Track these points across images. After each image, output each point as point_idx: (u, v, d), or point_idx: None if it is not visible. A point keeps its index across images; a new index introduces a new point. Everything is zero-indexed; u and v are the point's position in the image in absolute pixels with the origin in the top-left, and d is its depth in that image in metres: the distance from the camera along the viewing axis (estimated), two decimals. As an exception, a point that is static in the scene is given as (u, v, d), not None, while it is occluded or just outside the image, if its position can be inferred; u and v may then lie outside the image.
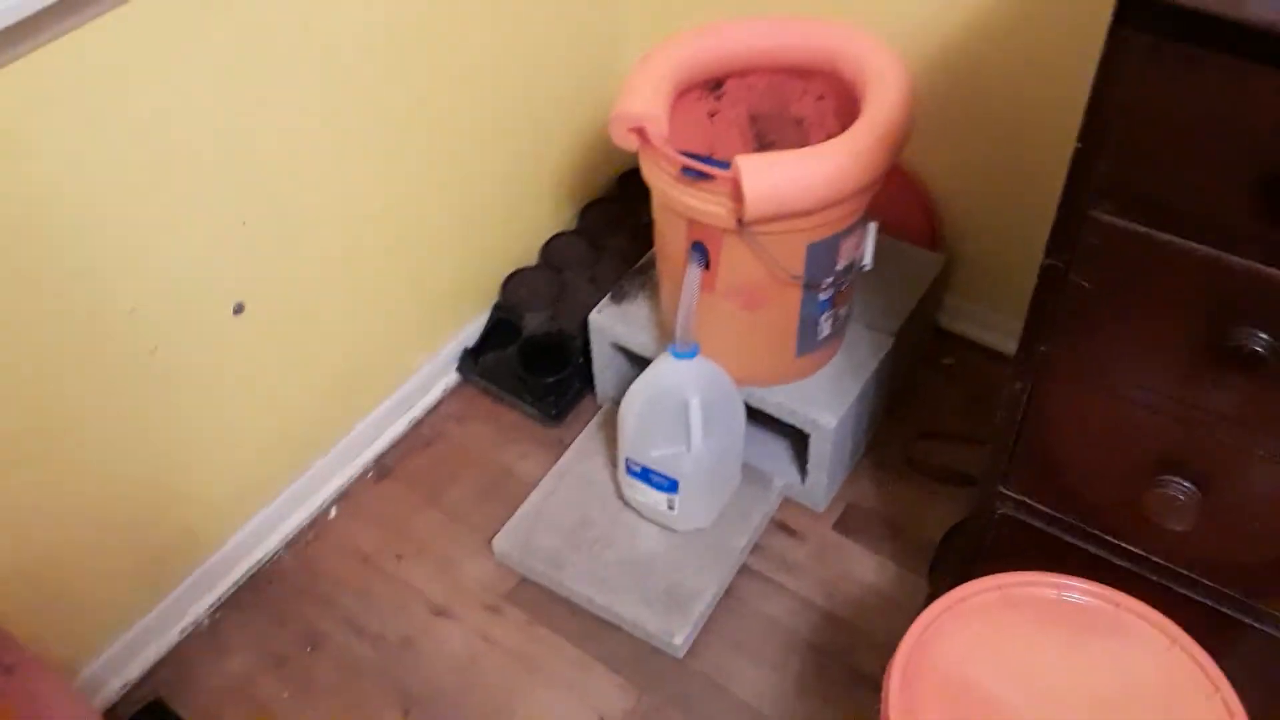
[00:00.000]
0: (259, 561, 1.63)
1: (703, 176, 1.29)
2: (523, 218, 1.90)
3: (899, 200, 1.74)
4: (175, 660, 1.53)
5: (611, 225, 1.95)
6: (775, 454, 1.70)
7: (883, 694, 1.04)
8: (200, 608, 1.57)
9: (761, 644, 1.51)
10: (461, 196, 1.72)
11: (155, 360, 1.34)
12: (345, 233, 1.54)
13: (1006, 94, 1.55)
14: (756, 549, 1.62)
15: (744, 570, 1.60)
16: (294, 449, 1.65)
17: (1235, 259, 0.82)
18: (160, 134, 1.22)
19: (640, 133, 1.34)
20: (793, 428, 1.60)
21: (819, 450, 1.57)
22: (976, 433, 1.73)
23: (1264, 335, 0.84)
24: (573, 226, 1.99)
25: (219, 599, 1.59)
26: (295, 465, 1.66)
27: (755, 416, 1.60)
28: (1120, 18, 0.75)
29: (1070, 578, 1.09)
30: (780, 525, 1.66)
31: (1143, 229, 0.85)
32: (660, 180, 1.37)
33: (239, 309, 1.42)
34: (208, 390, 1.44)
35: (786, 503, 1.68)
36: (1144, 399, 0.96)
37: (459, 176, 1.70)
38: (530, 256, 1.94)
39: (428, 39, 1.51)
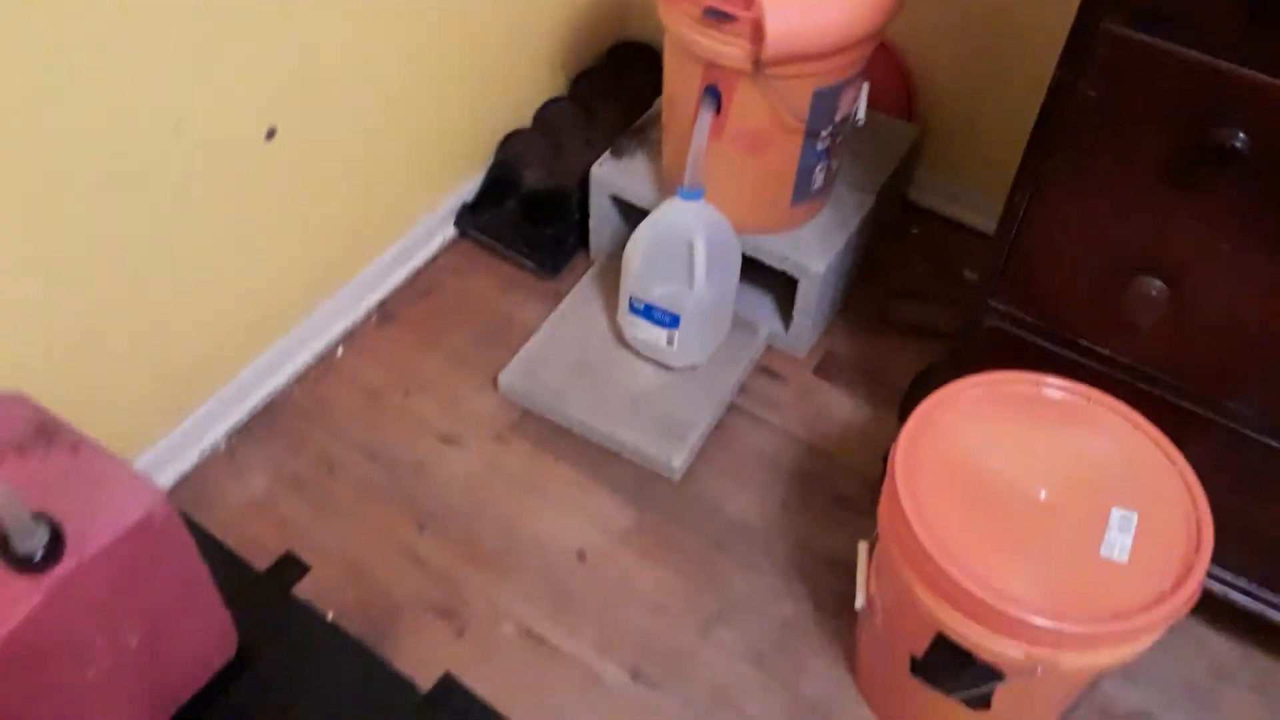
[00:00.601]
0: (271, 392, 1.70)
1: (726, 17, 1.38)
2: (518, 82, 1.96)
3: (880, 72, 1.85)
4: (195, 481, 1.60)
5: (603, 93, 2.03)
6: (760, 304, 1.82)
7: (889, 466, 1.17)
8: (217, 433, 1.64)
9: (750, 471, 1.65)
10: (460, 57, 1.78)
11: (192, 181, 1.39)
12: (361, 77, 1.59)
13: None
14: (743, 390, 1.75)
15: (733, 408, 1.72)
16: (303, 289, 1.71)
17: (1224, 63, 0.95)
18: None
19: (663, -26, 1.42)
20: (774, 282, 1.72)
21: (806, 295, 1.69)
22: (942, 294, 1.87)
23: (1242, 134, 0.97)
24: (565, 94, 2.06)
25: (234, 426, 1.66)
26: (303, 305, 1.72)
27: (744, 269, 1.71)
28: None
29: (1048, 376, 1.24)
30: (765, 369, 1.78)
31: (1146, 38, 0.97)
32: (679, 23, 1.45)
33: (271, 133, 1.47)
34: (234, 217, 1.50)
35: (770, 351, 1.81)
36: (1130, 203, 1.10)
37: (458, 36, 1.75)
38: (524, 121, 2.00)
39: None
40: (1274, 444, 1.19)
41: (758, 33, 1.35)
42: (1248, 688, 1.42)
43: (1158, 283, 1.13)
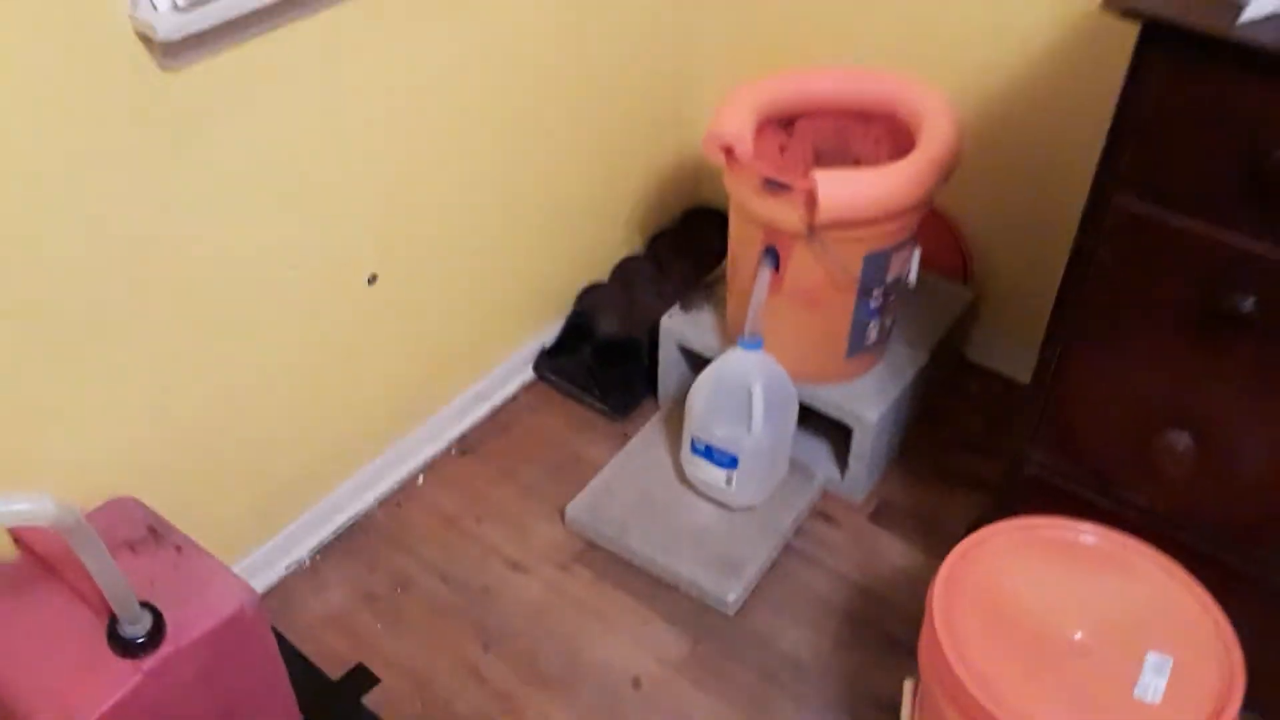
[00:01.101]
0: (355, 514, 1.83)
1: (782, 187, 1.53)
2: (599, 240, 2.14)
3: (935, 238, 1.98)
4: (280, 591, 1.72)
5: (677, 252, 2.19)
6: (817, 451, 1.91)
7: (927, 603, 1.24)
8: (304, 548, 1.76)
9: (803, 609, 1.70)
10: (547, 215, 1.97)
11: (303, 318, 1.57)
12: (455, 230, 1.78)
13: (1036, 145, 1.80)
14: (800, 532, 1.82)
15: (788, 549, 1.79)
16: (391, 419, 1.86)
17: (1228, 233, 1.05)
18: (343, 118, 1.47)
19: (729, 150, 1.58)
20: (833, 431, 1.81)
21: (860, 443, 1.78)
22: (996, 448, 1.94)
23: (1252, 298, 1.07)
24: (641, 252, 2.24)
25: (320, 542, 1.78)
26: (390, 434, 1.86)
27: (801, 418, 1.81)
28: (1144, 38, 1.00)
29: (1084, 522, 1.30)
30: (821, 514, 1.86)
31: (1155, 210, 1.08)
32: (741, 192, 1.61)
33: (372, 279, 1.65)
34: (337, 352, 1.67)
35: (827, 496, 1.88)
36: (1153, 360, 1.18)
37: (547, 196, 1.94)
38: (603, 275, 2.18)
39: (523, 87, 1.77)
40: (1308, 596, 1.22)
41: (811, 201, 1.49)
42: None
43: (1185, 437, 1.20)
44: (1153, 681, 1.15)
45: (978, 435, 1.98)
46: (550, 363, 2.10)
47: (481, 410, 2.03)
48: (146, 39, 1.20)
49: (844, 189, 1.49)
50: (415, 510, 1.86)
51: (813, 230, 1.54)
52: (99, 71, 1.18)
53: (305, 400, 1.66)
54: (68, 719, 1.14)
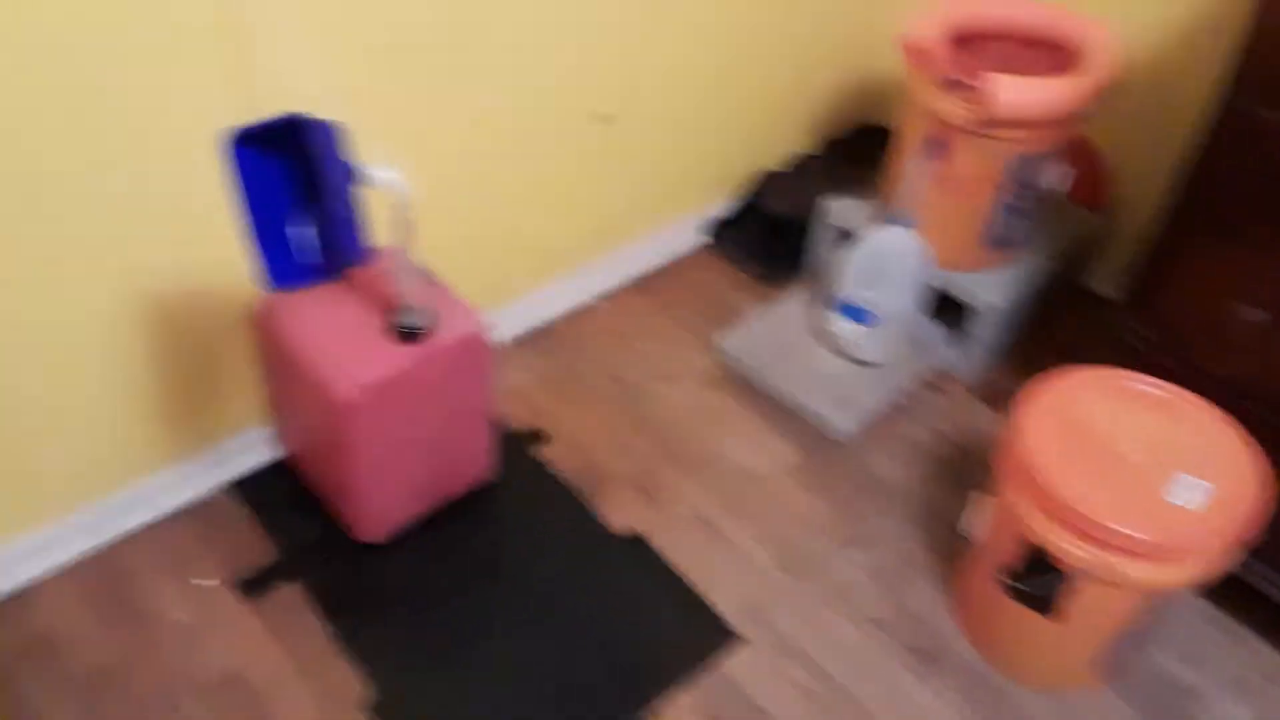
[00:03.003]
0: (545, 317, 2.22)
1: (963, 85, 1.82)
2: (784, 134, 2.47)
3: (1084, 171, 2.23)
4: (480, 362, 2.12)
5: (850, 158, 2.49)
6: (939, 332, 2.20)
7: (1011, 412, 1.54)
8: (503, 335, 2.16)
9: (901, 449, 2.02)
10: (744, 103, 2.30)
11: (552, 144, 1.95)
12: (672, 95, 2.13)
13: (1189, 93, 2.04)
14: (912, 394, 2.12)
15: (899, 405, 2.10)
16: (585, 246, 2.23)
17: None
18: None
19: (922, 51, 1.88)
20: (954, 316, 2.10)
21: (981, 328, 2.07)
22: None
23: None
24: (819, 152, 2.55)
25: (516, 335, 2.18)
26: (580, 259, 2.24)
27: (945, 302, 2.10)
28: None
29: (1148, 376, 1.57)
30: (934, 384, 2.16)
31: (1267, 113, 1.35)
32: (922, 89, 1.90)
33: (601, 118, 2.01)
34: (562, 174, 2.04)
35: (941, 372, 2.18)
36: (1247, 250, 1.45)
37: (745, 87, 2.27)
38: (781, 165, 2.50)
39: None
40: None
41: (986, 99, 1.78)
42: (1298, 706, 1.66)
43: (1260, 313, 1.47)
44: (1187, 494, 1.42)
45: (1086, 349, 2.23)
46: (724, 231, 2.44)
47: (659, 258, 2.38)
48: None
49: (1015, 91, 1.77)
50: (594, 325, 2.24)
51: (980, 125, 1.83)
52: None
53: (531, 210, 2.05)
54: (350, 382, 1.54)
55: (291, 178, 1.15)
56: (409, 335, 1.56)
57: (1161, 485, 1.44)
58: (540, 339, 2.19)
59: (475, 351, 1.66)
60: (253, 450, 1.88)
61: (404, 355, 1.56)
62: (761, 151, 2.46)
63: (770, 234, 2.38)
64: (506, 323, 2.16)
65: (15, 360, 1.51)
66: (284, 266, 1.14)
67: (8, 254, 1.40)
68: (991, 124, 1.81)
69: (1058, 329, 2.27)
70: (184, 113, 1.40)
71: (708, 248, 2.45)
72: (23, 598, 1.67)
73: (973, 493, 1.65)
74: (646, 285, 2.35)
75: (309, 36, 1.51)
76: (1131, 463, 1.47)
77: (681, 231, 2.41)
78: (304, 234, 1.17)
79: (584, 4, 1.85)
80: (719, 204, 2.46)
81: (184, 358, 1.71)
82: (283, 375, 1.72)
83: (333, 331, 1.60)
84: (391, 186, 1.28)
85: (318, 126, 1.07)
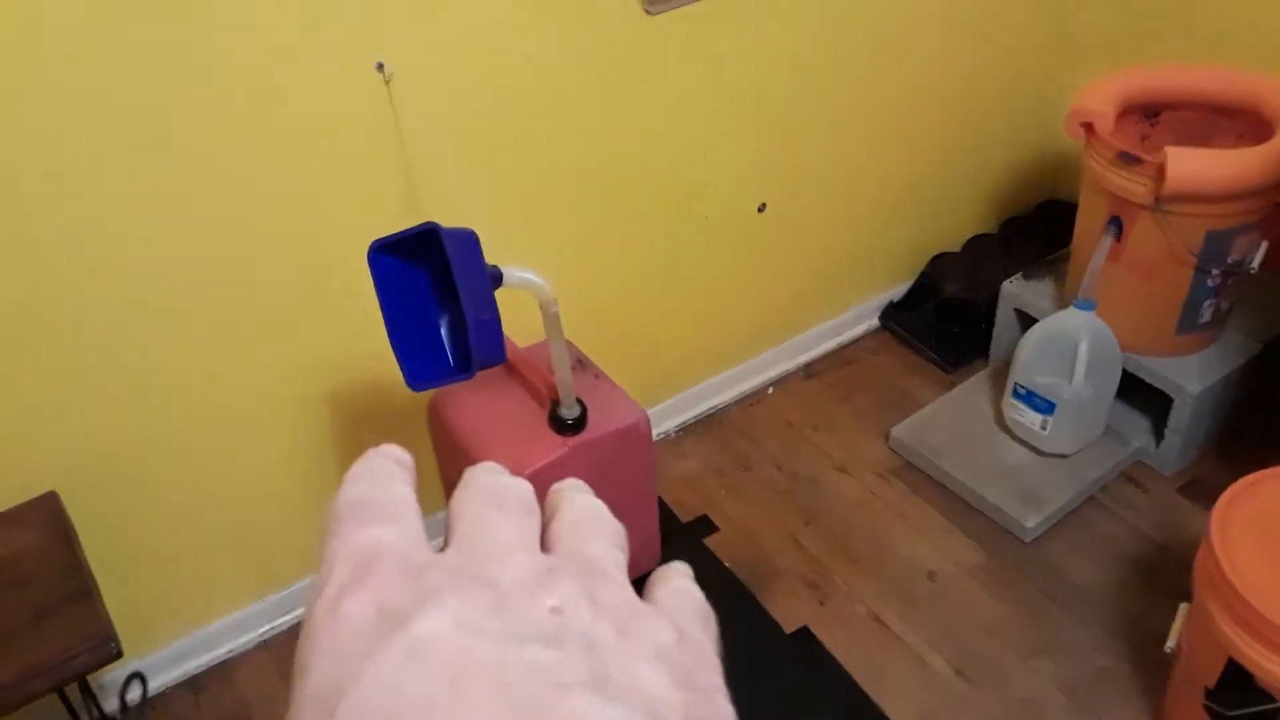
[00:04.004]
0: (715, 406, 2.22)
1: (1135, 160, 1.73)
2: (956, 214, 2.40)
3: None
4: (648, 453, 2.13)
5: (1026, 236, 2.40)
6: (1138, 424, 2.05)
7: (1208, 520, 1.40)
8: (672, 424, 2.17)
9: (1096, 551, 1.87)
10: (913, 185, 2.26)
11: (707, 232, 1.97)
12: (835, 185, 2.11)
13: None
14: (1106, 489, 1.98)
15: (1092, 500, 1.96)
16: (756, 335, 2.22)
17: None
18: (752, 80, 1.85)
19: (1089, 126, 1.80)
20: (1157, 405, 1.95)
21: (1179, 415, 1.91)
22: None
23: None
24: (994, 232, 2.46)
25: (684, 422, 2.18)
26: (753, 348, 2.23)
27: (1126, 390, 1.96)
28: None
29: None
30: (1130, 478, 2.00)
31: None
32: (1096, 164, 1.81)
33: (762, 208, 2.02)
34: (726, 265, 2.05)
35: (1139, 465, 2.02)
36: None
37: (915, 169, 2.23)
38: (954, 246, 2.43)
39: (912, 68, 2.07)
40: None
41: (1161, 173, 1.68)
42: None
43: None
44: None
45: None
46: (896, 315, 2.38)
47: (829, 344, 2.35)
48: (642, -8, 1.63)
49: (1193, 164, 1.66)
50: (763, 412, 2.22)
51: (1159, 202, 1.72)
52: (601, 16, 1.63)
53: (696, 303, 2.07)
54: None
55: (431, 284, 1.21)
56: (565, 426, 1.59)
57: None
58: (710, 426, 2.19)
59: (634, 440, 1.67)
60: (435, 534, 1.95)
61: (562, 444, 1.60)
62: (936, 233, 2.40)
63: (944, 317, 2.30)
64: (676, 410, 2.18)
65: (232, 448, 1.65)
66: (423, 368, 1.19)
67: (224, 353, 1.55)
68: (1170, 199, 1.70)
69: (1271, 416, 2.07)
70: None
71: (880, 333, 2.40)
72: (226, 668, 1.80)
73: (1181, 605, 1.51)
74: (819, 372, 2.31)
75: (473, 167, 1.61)
76: (1355, 570, 1.31)
77: (855, 317, 2.37)
78: (443, 337, 1.22)
79: (747, 95, 1.88)
80: (892, 289, 2.41)
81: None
82: (454, 464, 1.79)
83: (497, 422, 1.66)
84: (529, 286, 1.33)
85: (453, 235, 1.13)
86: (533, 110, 1.64)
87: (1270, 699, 1.30)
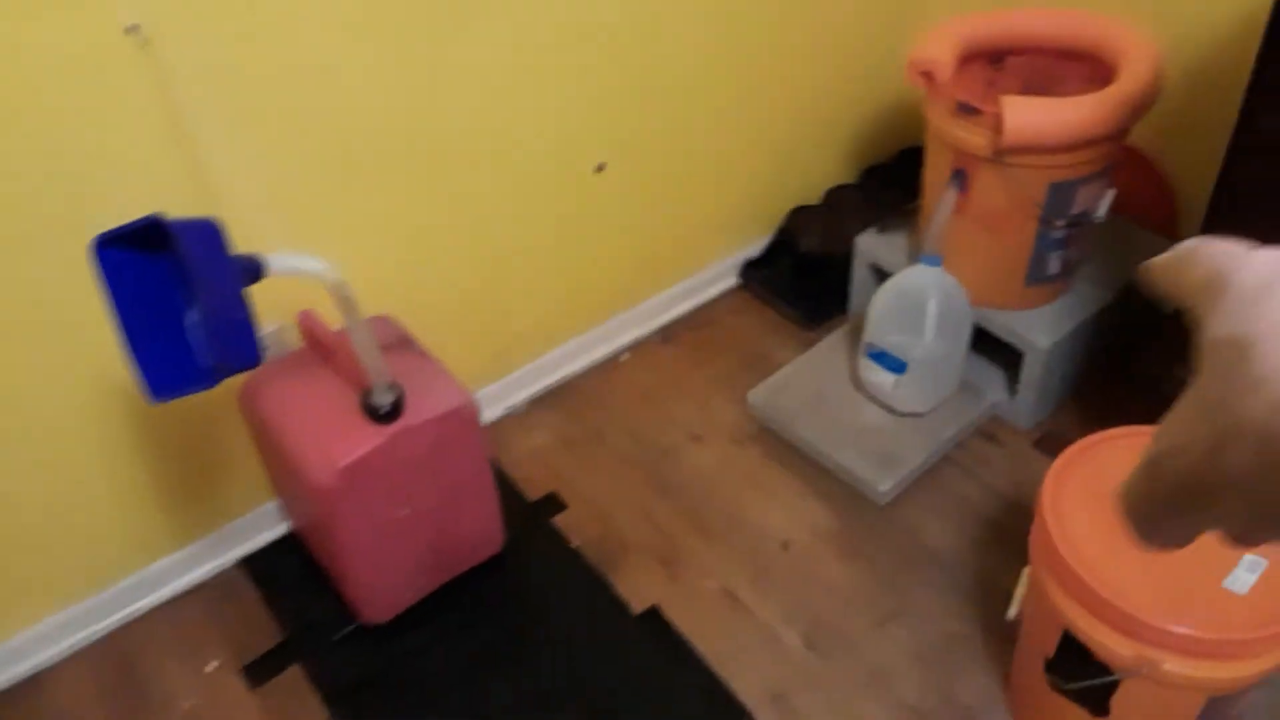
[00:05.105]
0: (566, 375, 2.12)
1: (973, 111, 1.66)
2: (814, 165, 2.32)
3: (1147, 190, 2.03)
4: (497, 430, 2.03)
5: (887, 185, 2.33)
6: (991, 377, 2.02)
7: (1040, 490, 1.36)
8: (521, 396, 2.07)
9: (950, 511, 1.84)
10: (769, 136, 2.17)
11: (541, 195, 1.85)
12: (681, 135, 2.01)
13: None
14: (960, 446, 1.95)
15: (947, 459, 1.93)
16: (608, 299, 2.13)
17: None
18: (584, 27, 1.73)
19: (928, 74, 1.72)
20: (1011, 359, 1.92)
21: (1031, 369, 1.88)
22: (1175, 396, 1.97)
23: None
24: (855, 182, 2.39)
25: (535, 393, 2.08)
26: (605, 312, 2.14)
27: (980, 343, 1.93)
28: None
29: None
30: (985, 433, 1.97)
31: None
32: (937, 115, 1.75)
33: (601, 168, 1.91)
34: (566, 231, 1.94)
35: (994, 420, 1.99)
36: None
37: (769, 119, 2.14)
38: (815, 199, 2.35)
39: (762, 11, 1.98)
40: None
41: (999, 125, 1.61)
42: None
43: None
44: (1244, 576, 1.23)
45: (1159, 383, 2.02)
46: (754, 272, 2.31)
47: (686, 306, 2.26)
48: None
49: (1031, 115, 1.60)
50: (617, 380, 2.13)
51: (999, 154, 1.66)
52: (406, -38, 1.49)
53: (536, 269, 1.96)
54: (329, 464, 1.47)
55: (177, 280, 1.08)
56: (380, 414, 1.48)
57: (1220, 567, 1.24)
58: (560, 397, 2.10)
59: (459, 425, 1.57)
60: (265, 525, 1.84)
61: (379, 434, 1.49)
62: (795, 185, 2.32)
63: (802, 273, 2.23)
64: (525, 381, 2.08)
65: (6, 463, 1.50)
66: (165, 377, 1.05)
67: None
68: (1010, 151, 1.64)
69: (1137, 367, 2.05)
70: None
71: (738, 291, 2.32)
72: (36, 681, 1.66)
73: (1024, 570, 1.47)
74: (676, 335, 2.23)
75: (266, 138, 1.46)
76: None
77: (713, 276, 2.29)
78: (187, 339, 1.09)
79: (576, 44, 1.76)
80: (751, 245, 2.33)
81: (182, 441, 1.67)
82: (271, 455, 1.67)
83: (312, 411, 1.54)
84: (304, 272, 1.21)
85: (187, 227, 1.00)
86: (326, 71, 1.49)
87: (1108, 671, 1.27)
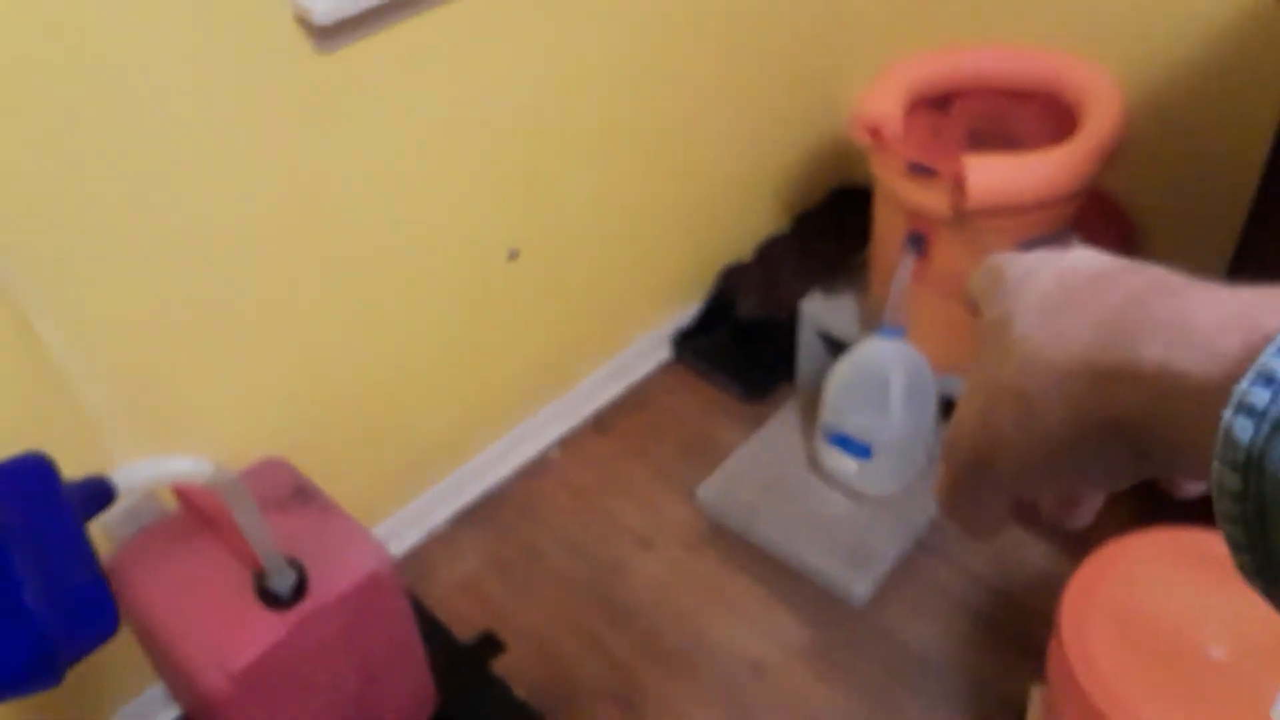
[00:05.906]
0: (491, 484, 1.88)
1: (929, 172, 1.48)
2: (743, 217, 2.12)
3: (1104, 229, 1.87)
4: (417, 557, 1.78)
5: (822, 232, 2.15)
6: (959, 445, 1.84)
7: (1058, 611, 1.18)
8: (439, 516, 1.82)
9: (933, 606, 1.66)
10: (690, 192, 1.96)
11: (448, 291, 1.62)
12: (596, 207, 1.79)
13: (1212, 131, 1.68)
14: (936, 527, 1.77)
15: (921, 544, 1.74)
16: (529, 392, 1.90)
17: None
18: (487, 100, 1.49)
19: (875, 132, 1.54)
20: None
21: (1003, 440, 1.71)
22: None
23: None
24: (786, 231, 2.20)
25: (457, 511, 1.84)
26: (528, 407, 1.91)
27: (947, 412, 1.75)
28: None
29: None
30: (958, 509, 1.79)
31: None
32: (888, 176, 1.56)
33: (514, 255, 1.68)
34: (478, 324, 1.71)
35: (965, 491, 1.82)
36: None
37: (689, 175, 1.94)
38: (746, 253, 2.16)
39: (672, 62, 1.76)
40: None
41: (960, 186, 1.43)
42: None
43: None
44: (1305, 713, 1.07)
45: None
46: (689, 342, 2.10)
47: (618, 388, 2.04)
48: (304, 22, 1.25)
49: (995, 175, 1.42)
50: (549, 483, 1.90)
51: (961, 217, 1.49)
52: (257, 53, 1.24)
53: (448, 371, 1.72)
54: (219, 667, 1.21)
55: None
56: (278, 600, 1.23)
57: (1263, 691, 1.08)
58: (487, 511, 1.86)
59: (375, 593, 1.33)
60: (153, 712, 1.56)
61: (279, 623, 1.24)
62: (724, 241, 2.12)
63: (740, 341, 2.04)
64: (447, 495, 1.83)
65: None
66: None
67: None
68: (974, 214, 1.46)
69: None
70: None
71: (672, 365, 2.11)
72: None
73: (1033, 689, 1.30)
74: (610, 423, 2.01)
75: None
76: (1218, 663, 1.11)
77: (642, 351, 2.07)
78: (25, 617, 0.82)
79: (478, 130, 1.53)
80: (680, 313, 2.12)
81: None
82: (150, 643, 1.40)
83: (198, 597, 1.28)
84: (170, 476, 0.96)
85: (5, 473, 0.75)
86: (185, 201, 1.24)
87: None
